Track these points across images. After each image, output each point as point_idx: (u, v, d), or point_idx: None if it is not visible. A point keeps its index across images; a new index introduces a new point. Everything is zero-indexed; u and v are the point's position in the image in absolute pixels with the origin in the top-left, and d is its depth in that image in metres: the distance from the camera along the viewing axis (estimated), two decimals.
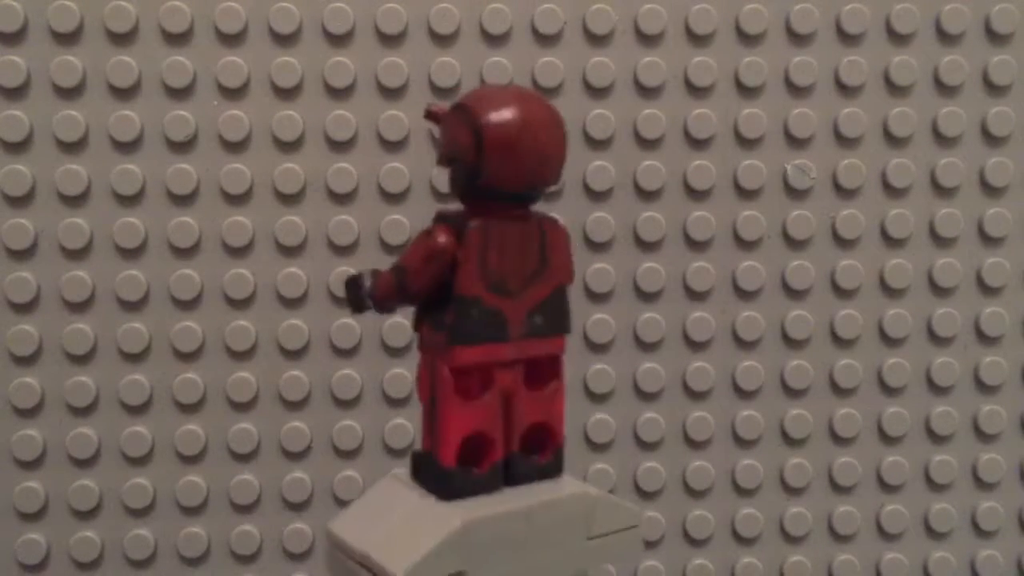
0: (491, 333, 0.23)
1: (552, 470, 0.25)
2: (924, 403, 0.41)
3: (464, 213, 0.23)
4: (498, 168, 0.22)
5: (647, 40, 0.38)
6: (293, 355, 0.38)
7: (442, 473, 0.23)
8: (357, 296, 0.24)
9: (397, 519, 0.23)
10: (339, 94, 0.37)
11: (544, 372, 0.24)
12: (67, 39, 0.36)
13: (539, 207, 0.24)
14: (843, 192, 0.40)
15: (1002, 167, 0.40)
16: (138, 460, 0.38)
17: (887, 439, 0.41)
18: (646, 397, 0.40)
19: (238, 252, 0.37)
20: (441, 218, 0.23)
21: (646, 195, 0.39)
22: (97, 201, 0.37)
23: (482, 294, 0.23)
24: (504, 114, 0.22)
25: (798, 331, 0.40)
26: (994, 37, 0.40)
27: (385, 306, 0.24)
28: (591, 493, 0.24)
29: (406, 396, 0.39)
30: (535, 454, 0.24)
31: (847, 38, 0.39)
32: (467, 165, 0.23)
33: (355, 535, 0.24)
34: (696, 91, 0.39)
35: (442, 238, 0.23)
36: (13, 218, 0.36)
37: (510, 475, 0.24)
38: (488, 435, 0.23)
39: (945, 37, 0.39)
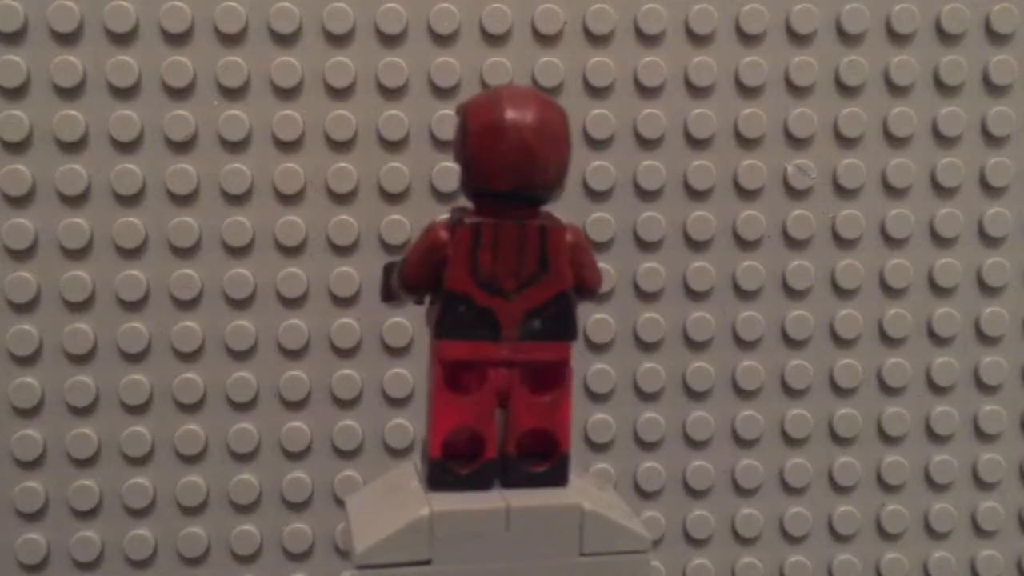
0: (480, 331, 0.23)
1: (552, 478, 0.24)
2: (924, 403, 0.41)
3: (468, 212, 0.23)
4: (481, 165, 0.23)
5: (647, 40, 0.38)
6: (293, 355, 0.38)
7: (428, 463, 0.24)
8: (385, 283, 0.25)
9: (388, 501, 0.24)
10: (339, 94, 0.37)
11: (548, 378, 0.24)
12: (67, 39, 0.36)
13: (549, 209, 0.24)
14: (843, 192, 0.40)
15: (1002, 167, 0.40)
16: (138, 460, 0.38)
17: (887, 439, 0.41)
18: (646, 397, 0.40)
19: (238, 252, 0.37)
20: (448, 215, 0.24)
21: (646, 195, 0.39)
22: (97, 201, 0.37)
23: (472, 291, 0.23)
24: (488, 112, 0.23)
25: (798, 331, 0.40)
26: (994, 37, 0.40)
27: (397, 295, 0.25)
28: (583, 507, 0.23)
29: (406, 396, 0.39)
30: (536, 460, 0.24)
31: (847, 38, 0.39)
32: (459, 161, 0.23)
33: (355, 509, 0.25)
34: (696, 91, 0.39)
35: (437, 234, 0.23)
36: (13, 218, 0.36)
37: (505, 478, 0.24)
38: (479, 432, 0.24)
39: (945, 37, 0.39)
